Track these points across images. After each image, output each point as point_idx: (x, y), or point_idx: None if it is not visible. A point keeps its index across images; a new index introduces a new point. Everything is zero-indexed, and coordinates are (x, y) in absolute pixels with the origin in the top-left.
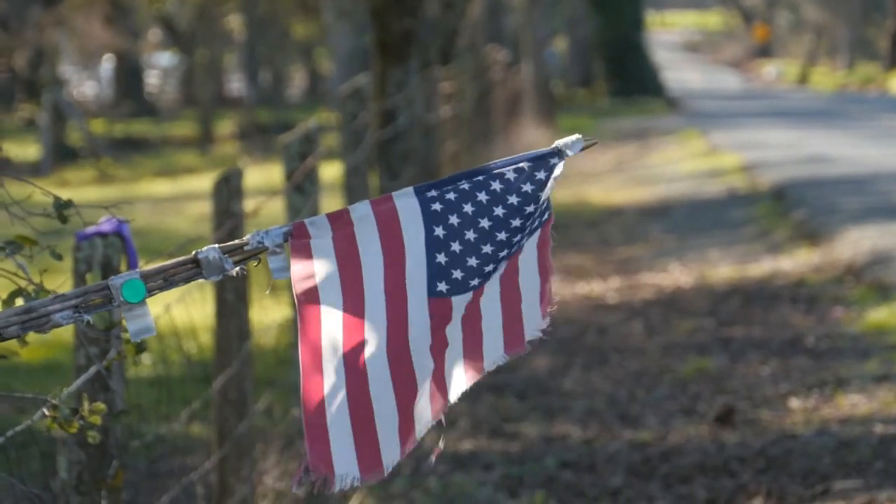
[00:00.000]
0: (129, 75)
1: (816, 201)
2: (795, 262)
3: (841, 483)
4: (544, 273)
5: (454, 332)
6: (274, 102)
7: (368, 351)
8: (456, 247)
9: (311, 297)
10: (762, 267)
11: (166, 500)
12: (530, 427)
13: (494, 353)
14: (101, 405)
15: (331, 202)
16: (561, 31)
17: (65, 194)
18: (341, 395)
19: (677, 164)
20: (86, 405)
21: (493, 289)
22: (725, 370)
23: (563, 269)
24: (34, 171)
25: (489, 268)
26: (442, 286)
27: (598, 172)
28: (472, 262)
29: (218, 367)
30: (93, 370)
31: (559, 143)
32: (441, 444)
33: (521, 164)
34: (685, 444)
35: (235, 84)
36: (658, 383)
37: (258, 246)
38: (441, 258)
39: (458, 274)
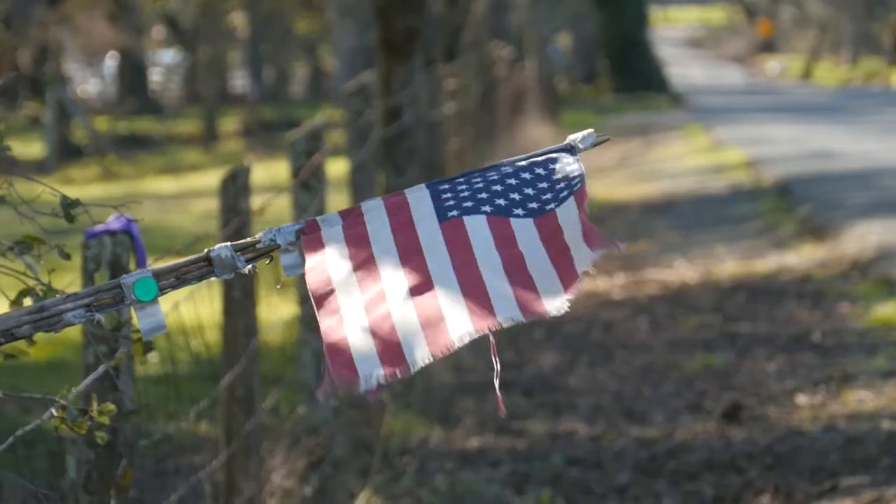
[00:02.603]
0: (132, 73)
1: (821, 196)
2: (801, 257)
3: (848, 479)
4: (584, 220)
5: (485, 255)
6: (277, 99)
7: (384, 277)
8: (468, 204)
9: (322, 272)
10: (767, 263)
11: (174, 499)
12: (537, 424)
13: (551, 289)
14: (110, 406)
15: (337, 199)
16: (565, 27)
17: (69, 192)
18: (359, 312)
19: (681, 160)
20: (95, 405)
21: (533, 245)
22: (732, 366)
23: None
24: (39, 168)
25: (501, 203)
26: (453, 213)
27: (603, 168)
28: (487, 208)
29: (225, 365)
30: (101, 369)
31: (571, 138)
32: (497, 384)
33: (533, 158)
34: (692, 441)
35: (239, 81)
36: (664, 380)
37: (270, 244)
38: (454, 213)
39: (468, 204)
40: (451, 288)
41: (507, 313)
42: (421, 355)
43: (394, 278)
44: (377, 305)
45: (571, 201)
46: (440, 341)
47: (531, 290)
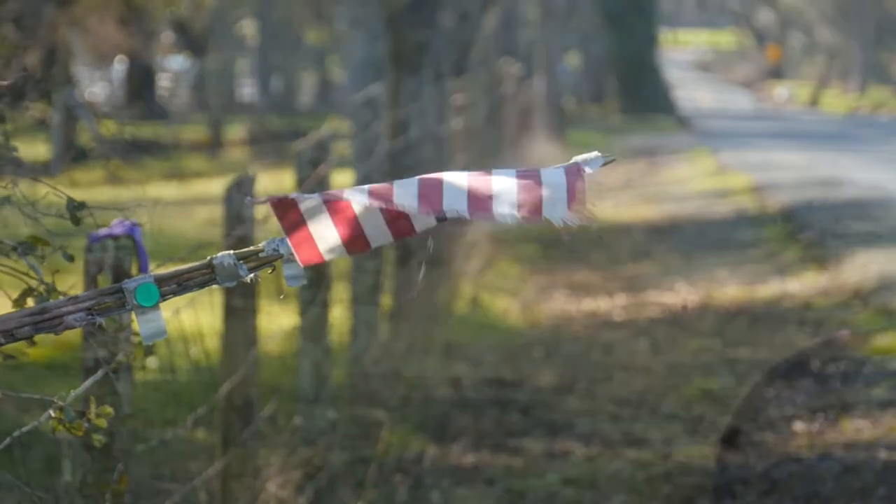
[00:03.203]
0: (140, 78)
1: (825, 224)
2: (803, 284)
3: None
4: (571, 178)
5: (451, 183)
6: (285, 109)
7: (351, 195)
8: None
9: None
10: (770, 288)
11: None
12: (533, 443)
13: (507, 206)
14: (108, 409)
15: None
16: (575, 46)
17: (74, 195)
18: (322, 212)
19: (687, 183)
20: (93, 408)
21: (506, 175)
22: (730, 391)
23: (569, 285)
24: (44, 170)
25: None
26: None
27: (607, 189)
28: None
29: (224, 373)
30: (101, 373)
31: (577, 158)
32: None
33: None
34: (688, 465)
35: (247, 89)
36: (662, 403)
37: (273, 253)
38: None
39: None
40: (412, 198)
41: (455, 205)
42: (384, 239)
43: (360, 198)
44: (341, 210)
45: (560, 171)
46: (402, 229)
47: (487, 194)
